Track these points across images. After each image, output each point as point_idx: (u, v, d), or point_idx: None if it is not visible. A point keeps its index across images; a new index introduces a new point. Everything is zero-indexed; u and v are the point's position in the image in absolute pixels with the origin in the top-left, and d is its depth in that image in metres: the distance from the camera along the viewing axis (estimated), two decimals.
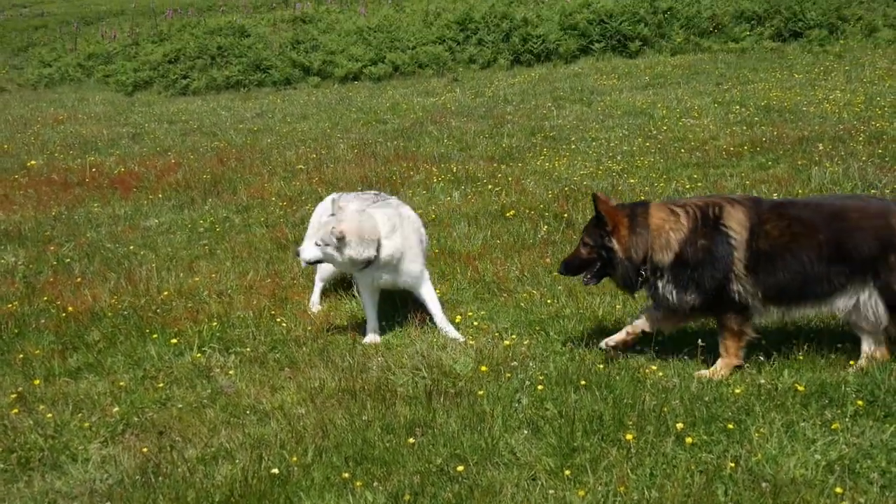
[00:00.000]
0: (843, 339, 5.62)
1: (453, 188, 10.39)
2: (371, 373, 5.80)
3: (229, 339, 6.48)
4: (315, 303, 7.13)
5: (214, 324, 6.69)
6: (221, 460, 4.83)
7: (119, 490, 4.62)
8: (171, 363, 6.14)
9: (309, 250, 6.25)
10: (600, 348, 5.70)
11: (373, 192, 7.23)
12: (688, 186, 9.59)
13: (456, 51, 21.86)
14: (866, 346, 5.43)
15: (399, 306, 6.87)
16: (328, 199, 6.98)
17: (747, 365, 5.46)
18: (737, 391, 5.10)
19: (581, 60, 20.79)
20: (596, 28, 21.17)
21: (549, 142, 12.73)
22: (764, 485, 4.20)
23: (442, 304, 6.66)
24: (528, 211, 9.12)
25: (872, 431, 4.61)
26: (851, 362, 5.37)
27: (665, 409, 4.90)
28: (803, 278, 5.34)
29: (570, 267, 5.83)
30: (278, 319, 6.79)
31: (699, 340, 5.56)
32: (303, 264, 6.73)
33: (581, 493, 4.22)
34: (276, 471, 4.59)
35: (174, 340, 6.42)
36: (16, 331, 6.82)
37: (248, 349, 6.29)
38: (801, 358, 5.45)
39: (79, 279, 8.02)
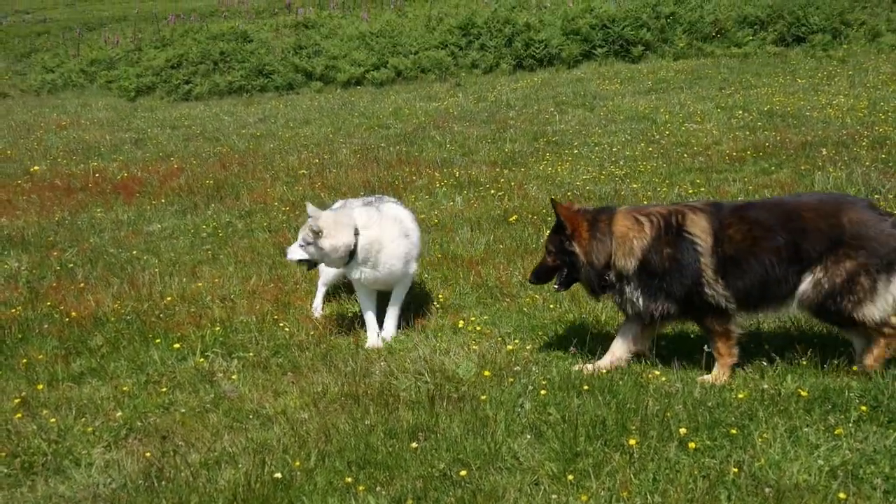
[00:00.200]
0: (846, 345, 5.61)
1: (456, 193, 10.40)
2: (374, 377, 5.80)
3: (232, 343, 6.49)
4: (318, 307, 7.14)
5: (217, 328, 6.70)
6: (224, 465, 4.83)
7: (122, 494, 4.63)
8: (174, 368, 6.15)
9: (294, 250, 6.43)
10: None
11: (376, 196, 7.28)
12: (690, 191, 9.59)
13: (458, 56, 21.89)
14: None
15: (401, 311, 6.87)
16: (336, 205, 7.02)
17: (750, 370, 5.45)
18: (740, 396, 5.09)
19: (583, 65, 20.80)
20: (598, 33, 21.19)
21: (551, 147, 12.74)
22: (767, 490, 4.20)
23: (444, 308, 6.67)
24: (530, 216, 9.12)
25: (876, 437, 4.60)
26: (854, 367, 5.36)
27: (668, 414, 4.89)
28: (766, 281, 5.35)
29: (539, 275, 5.91)
30: (281, 324, 6.80)
31: (705, 347, 5.55)
32: (296, 266, 6.84)
33: (584, 497, 4.22)
34: (279, 475, 4.59)
35: (177, 345, 6.43)
36: (19, 336, 6.83)
37: (251, 354, 6.29)
38: (804, 363, 5.45)
39: (82, 284, 8.03)
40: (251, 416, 5.39)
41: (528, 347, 6.06)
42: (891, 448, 4.48)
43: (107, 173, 13.08)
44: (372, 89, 20.99)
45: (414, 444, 4.81)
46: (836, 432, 4.63)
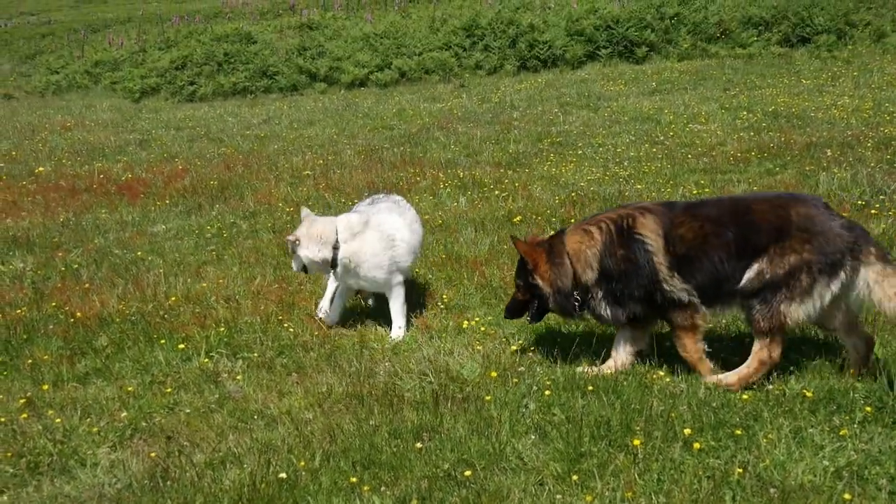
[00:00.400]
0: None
1: (460, 194, 10.40)
2: (378, 378, 5.80)
3: (237, 344, 6.49)
4: (323, 308, 7.14)
5: (222, 329, 6.70)
6: (229, 465, 4.84)
7: (128, 494, 4.64)
8: (178, 368, 6.16)
9: (294, 260, 6.71)
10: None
11: (383, 193, 7.40)
12: (695, 192, 9.58)
13: (462, 57, 21.91)
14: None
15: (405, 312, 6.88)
16: (363, 203, 7.21)
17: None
18: (744, 397, 5.09)
19: (587, 66, 20.81)
20: (602, 34, 21.20)
21: (555, 147, 12.74)
22: (772, 491, 4.19)
23: (448, 309, 6.67)
24: (534, 216, 9.12)
25: (881, 438, 4.60)
26: (852, 371, 5.34)
27: (672, 415, 4.89)
28: (718, 277, 5.34)
29: (512, 310, 5.96)
30: (286, 325, 6.81)
31: (705, 347, 5.55)
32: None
33: (588, 498, 4.22)
34: (283, 475, 4.60)
35: (182, 346, 6.43)
36: (24, 336, 6.84)
37: (255, 354, 6.30)
38: (808, 364, 5.44)
39: (87, 285, 8.05)
40: (256, 417, 5.40)
41: (532, 348, 6.06)
42: None
43: (111, 174, 13.10)
44: (376, 90, 21.01)
45: (418, 445, 4.81)
46: (841, 433, 4.63)
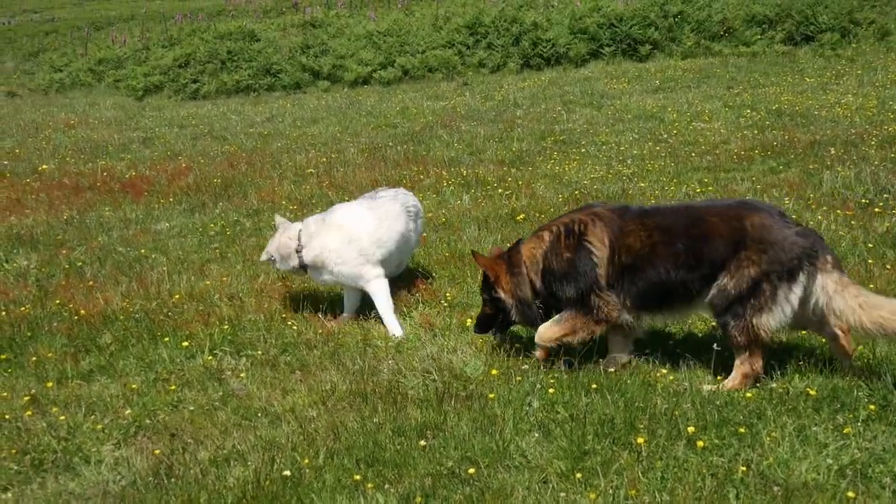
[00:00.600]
0: (855, 344, 5.60)
1: (463, 192, 10.40)
2: (382, 376, 5.81)
3: (240, 342, 6.50)
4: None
5: (226, 327, 6.71)
6: (233, 462, 4.85)
7: (132, 491, 4.65)
8: (182, 366, 6.17)
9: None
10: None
11: (383, 188, 7.55)
12: (698, 190, 9.58)
13: (466, 55, 21.89)
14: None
15: (406, 312, 6.89)
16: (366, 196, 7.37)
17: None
18: (748, 395, 5.09)
19: (591, 64, 20.79)
20: (606, 32, 21.18)
21: (559, 145, 12.73)
22: (776, 489, 4.19)
23: (452, 307, 6.67)
24: (538, 215, 9.12)
25: (885, 436, 4.59)
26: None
27: (676, 413, 4.89)
28: (665, 286, 5.38)
29: (481, 325, 6.01)
30: (289, 322, 6.81)
31: (714, 346, 5.55)
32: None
33: (592, 495, 4.22)
34: (287, 473, 4.61)
35: (186, 343, 6.44)
36: (29, 334, 6.85)
37: (259, 352, 6.31)
38: (812, 362, 5.44)
39: (91, 282, 8.06)
40: (260, 414, 5.41)
41: (534, 346, 6.05)
42: None
43: (115, 172, 13.12)
44: (379, 88, 21.01)
45: (422, 442, 4.82)
46: (844, 431, 4.62)
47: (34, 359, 6.36)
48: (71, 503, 4.61)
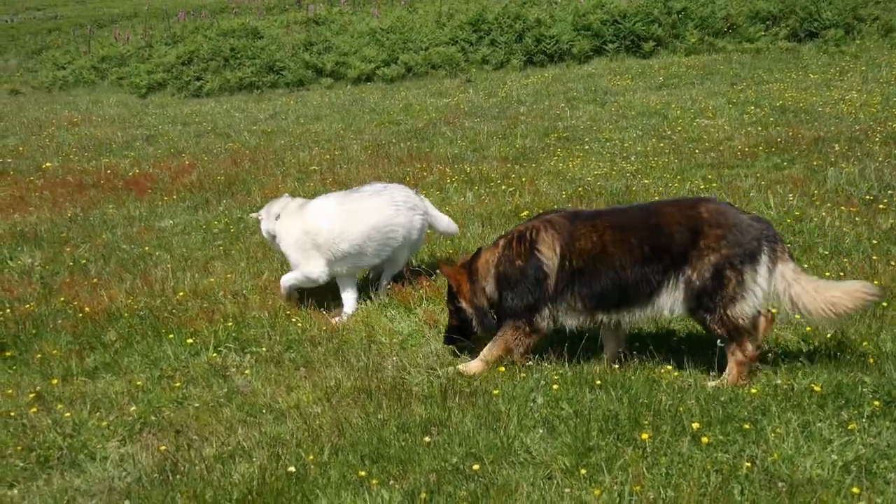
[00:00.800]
0: (858, 340, 5.60)
1: (467, 189, 10.40)
2: (386, 372, 5.82)
3: (245, 338, 6.51)
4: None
5: (230, 324, 6.72)
6: (238, 458, 4.86)
7: (137, 488, 4.66)
8: (187, 363, 6.18)
9: None
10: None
11: (376, 182, 7.74)
12: (702, 187, 9.57)
13: (469, 52, 21.87)
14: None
15: (413, 307, 6.89)
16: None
17: (762, 367, 5.44)
18: (753, 391, 5.09)
19: (594, 61, 20.76)
20: (609, 28, 21.14)
21: (562, 142, 12.73)
22: (780, 484, 4.19)
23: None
24: (541, 212, 9.11)
25: (889, 432, 4.59)
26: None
27: (681, 409, 4.89)
28: (621, 283, 5.40)
29: (449, 338, 6.04)
30: (293, 319, 6.82)
31: (718, 342, 5.55)
32: None
33: (597, 492, 4.22)
34: (292, 469, 4.61)
35: (190, 340, 6.45)
36: (34, 331, 6.87)
37: (263, 349, 6.32)
38: (816, 358, 5.43)
39: (95, 280, 8.07)
40: (264, 411, 5.42)
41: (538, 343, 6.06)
42: None
43: (118, 170, 13.13)
44: (382, 85, 21.00)
45: (427, 439, 4.82)
46: (849, 427, 4.62)
47: (39, 356, 6.37)
48: (77, 499, 4.62)
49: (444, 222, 7.53)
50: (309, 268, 6.92)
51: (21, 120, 19.44)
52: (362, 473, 4.52)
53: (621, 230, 5.44)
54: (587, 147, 12.24)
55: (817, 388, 5.02)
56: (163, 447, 5.01)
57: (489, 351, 5.70)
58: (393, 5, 27.59)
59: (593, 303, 5.49)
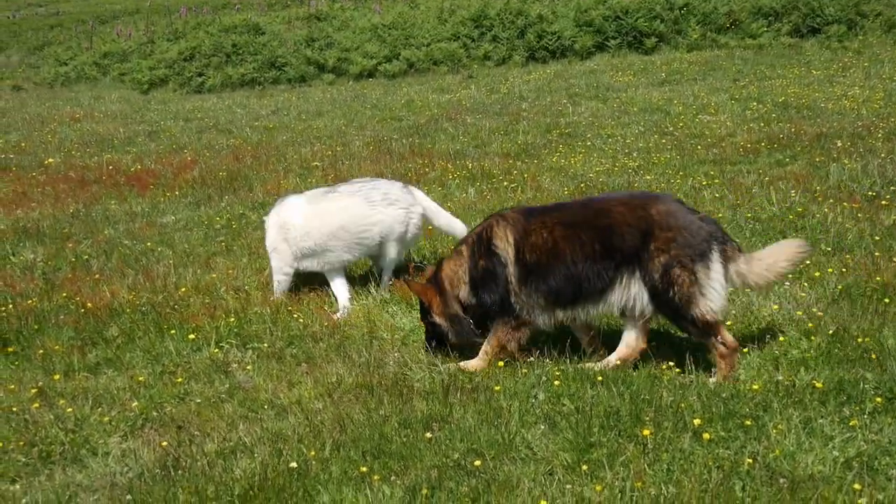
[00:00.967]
0: (860, 336, 5.59)
1: (469, 185, 10.40)
2: (388, 368, 5.82)
3: (247, 334, 6.52)
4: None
5: (232, 320, 6.73)
6: (240, 454, 4.86)
7: (139, 483, 4.66)
8: (189, 358, 6.19)
9: None
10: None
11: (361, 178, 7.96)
12: (704, 183, 9.56)
13: (471, 48, 21.84)
14: (631, 339, 5.53)
15: (414, 302, 6.88)
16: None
17: (764, 363, 5.44)
18: (754, 387, 5.09)
19: (596, 57, 20.73)
20: (611, 24, 21.11)
21: (564, 138, 12.72)
22: (782, 481, 4.19)
23: None
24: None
25: (891, 429, 4.59)
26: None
27: (682, 405, 4.89)
28: (573, 279, 5.43)
29: (428, 346, 6.04)
30: (295, 315, 6.82)
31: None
32: None
33: (598, 487, 4.22)
34: (294, 465, 4.62)
35: (192, 336, 6.46)
36: (36, 327, 6.88)
37: (265, 345, 6.32)
38: (818, 355, 5.43)
39: (97, 276, 8.08)
40: (266, 407, 5.42)
41: (542, 339, 6.06)
42: None
43: (121, 165, 13.14)
44: (384, 81, 20.99)
45: (428, 435, 4.82)
46: (850, 424, 4.62)
47: (41, 351, 6.38)
48: (79, 495, 4.63)
49: (444, 218, 7.50)
50: (276, 261, 7.14)
51: (23, 116, 19.44)
52: (364, 469, 4.52)
53: (572, 227, 5.49)
54: (589, 143, 12.23)
55: (819, 385, 5.02)
56: (164, 443, 5.02)
57: (487, 348, 5.72)
58: (395, 1, 27.56)
59: (552, 298, 5.52)
